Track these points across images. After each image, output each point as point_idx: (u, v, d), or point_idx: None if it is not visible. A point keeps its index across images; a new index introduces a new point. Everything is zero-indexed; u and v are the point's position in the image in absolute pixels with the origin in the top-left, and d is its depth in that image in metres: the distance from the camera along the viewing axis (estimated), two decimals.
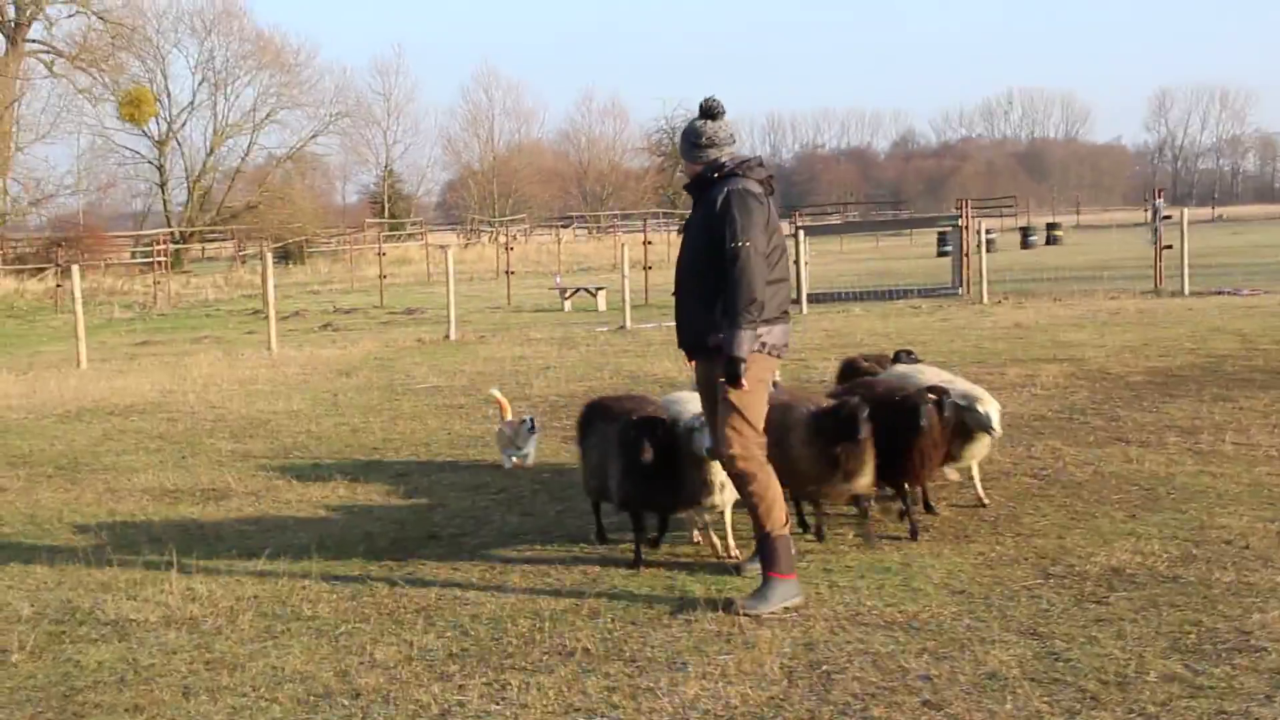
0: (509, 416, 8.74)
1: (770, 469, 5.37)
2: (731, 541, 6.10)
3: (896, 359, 8.02)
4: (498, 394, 8.99)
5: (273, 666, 4.70)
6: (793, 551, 5.35)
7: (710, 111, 5.46)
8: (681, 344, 5.59)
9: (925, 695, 4.15)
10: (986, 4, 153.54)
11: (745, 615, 5.10)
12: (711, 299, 5.28)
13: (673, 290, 5.55)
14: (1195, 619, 4.77)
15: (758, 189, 5.35)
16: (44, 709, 4.40)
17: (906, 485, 6.36)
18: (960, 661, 4.43)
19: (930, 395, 6.12)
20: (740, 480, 5.36)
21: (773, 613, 5.12)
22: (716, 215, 5.26)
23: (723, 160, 5.41)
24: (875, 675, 4.36)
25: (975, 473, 7.04)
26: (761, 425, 5.38)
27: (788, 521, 5.37)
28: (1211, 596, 5.04)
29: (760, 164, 5.53)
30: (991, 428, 6.28)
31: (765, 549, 5.30)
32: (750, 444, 5.31)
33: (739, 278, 5.16)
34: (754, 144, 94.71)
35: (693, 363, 5.57)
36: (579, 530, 6.79)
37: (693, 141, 5.48)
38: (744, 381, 5.18)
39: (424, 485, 8.31)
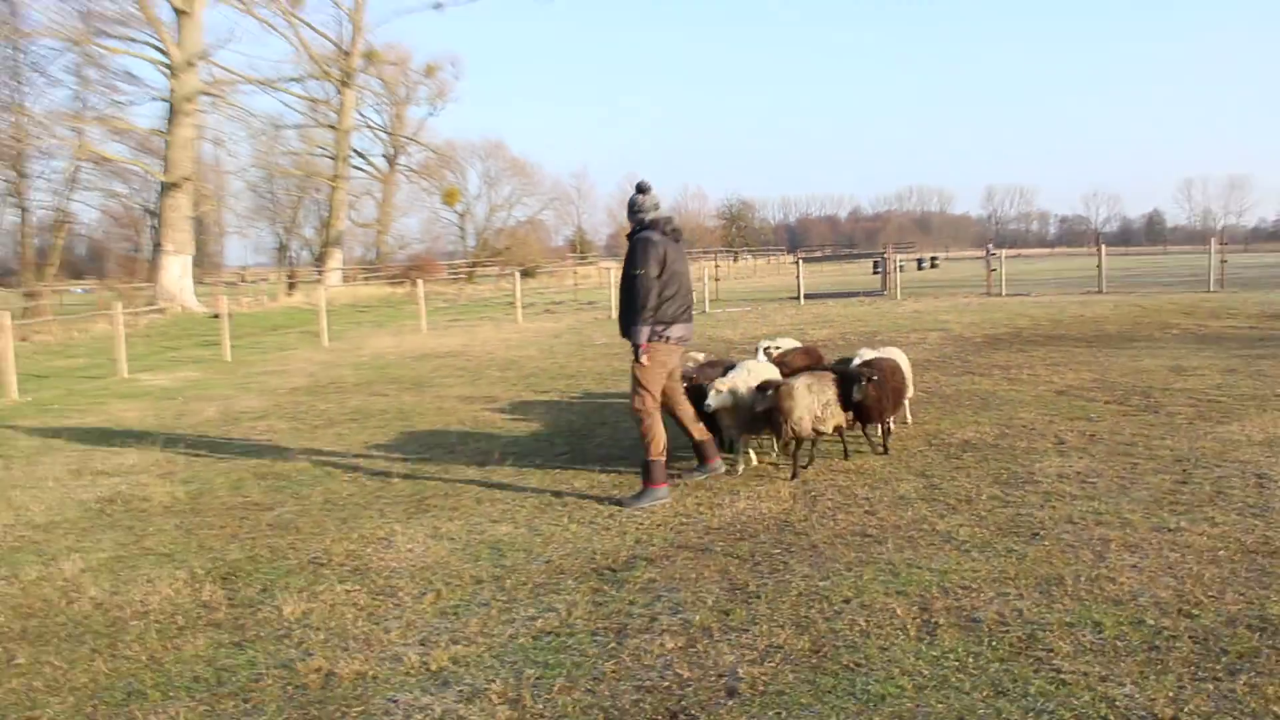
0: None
1: (657, 417, 7.66)
2: (752, 455, 8.89)
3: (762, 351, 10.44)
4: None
5: (522, 489, 8.22)
6: (665, 470, 7.65)
7: (641, 188, 7.89)
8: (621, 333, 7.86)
9: (866, 508, 7.13)
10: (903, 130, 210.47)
11: (628, 508, 7.40)
12: (632, 306, 7.58)
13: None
14: (1006, 466, 8.18)
15: (659, 238, 7.63)
16: (408, 508, 7.75)
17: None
18: (884, 490, 7.63)
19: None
20: (639, 423, 7.69)
21: (643, 508, 7.37)
22: (631, 254, 7.63)
23: (646, 219, 7.78)
24: (839, 498, 7.47)
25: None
26: (657, 390, 7.69)
27: (663, 451, 7.62)
28: (1014, 454, 8.59)
29: (668, 220, 7.86)
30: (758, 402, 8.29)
31: (647, 468, 7.61)
32: (647, 400, 7.63)
33: (638, 293, 7.49)
34: (772, 214, 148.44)
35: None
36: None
37: (630, 208, 7.92)
38: (644, 359, 7.57)
39: (599, 396, 13.13)
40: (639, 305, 7.59)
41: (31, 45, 39.35)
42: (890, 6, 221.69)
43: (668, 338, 7.78)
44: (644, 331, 7.61)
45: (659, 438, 7.69)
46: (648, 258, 7.60)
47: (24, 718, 4.40)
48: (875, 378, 8.41)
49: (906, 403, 9.90)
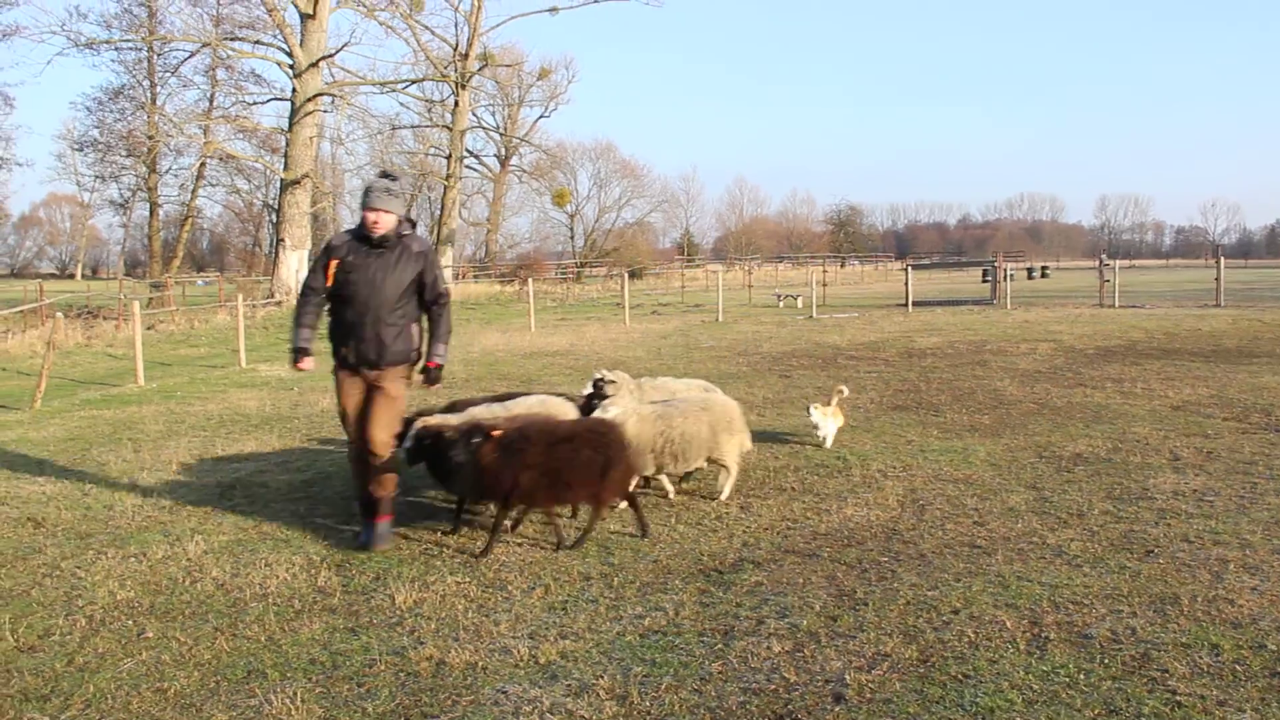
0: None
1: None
2: (670, 487, 8.04)
3: (595, 388, 8.10)
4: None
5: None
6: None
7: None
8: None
9: (975, 519, 7.10)
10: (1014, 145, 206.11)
11: (375, 548, 6.59)
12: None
13: (361, 315, 6.68)
14: (1119, 481, 8.02)
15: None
16: None
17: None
18: (993, 501, 7.53)
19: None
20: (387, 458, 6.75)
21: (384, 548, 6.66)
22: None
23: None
24: (947, 507, 7.40)
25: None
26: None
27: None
28: (1128, 469, 8.43)
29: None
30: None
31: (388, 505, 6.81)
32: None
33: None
34: (880, 220, 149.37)
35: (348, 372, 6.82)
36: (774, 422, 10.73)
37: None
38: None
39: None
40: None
41: (167, 48, 40.87)
42: (1002, 14, 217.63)
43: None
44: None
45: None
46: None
47: (154, 688, 4.60)
48: (494, 435, 6.54)
49: (668, 480, 8.13)
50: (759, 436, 10.27)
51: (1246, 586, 5.55)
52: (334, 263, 6.65)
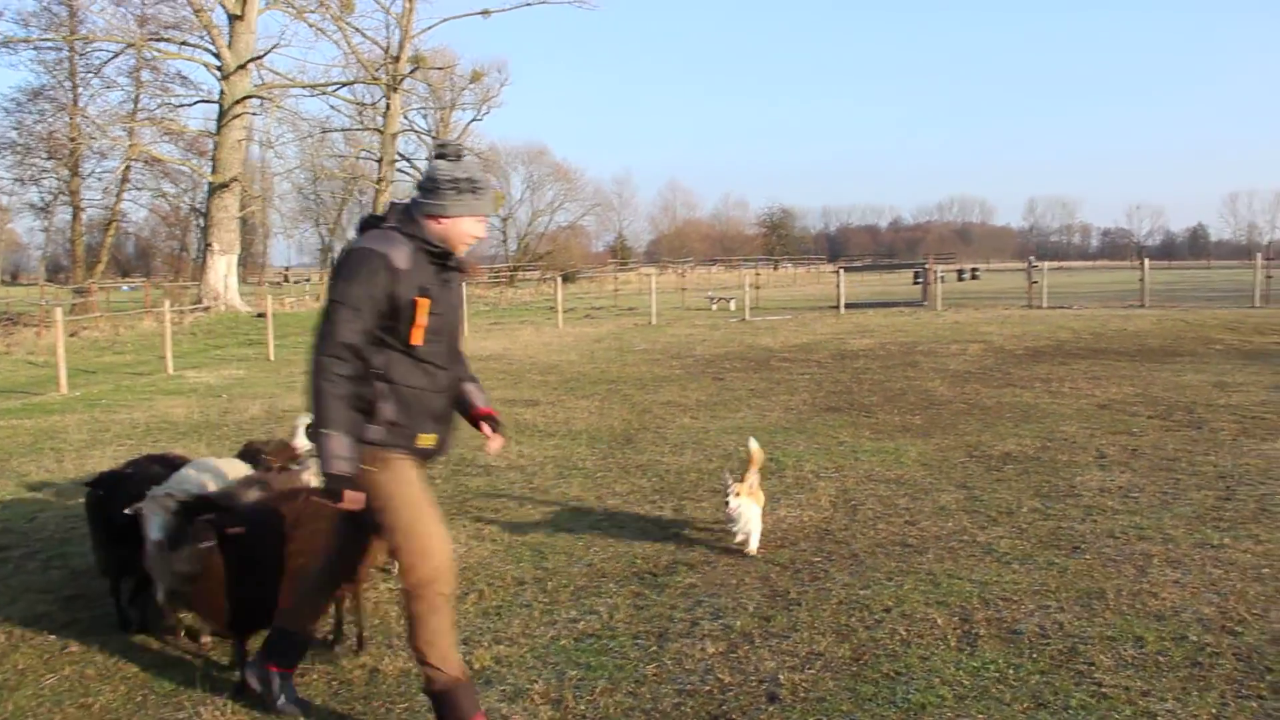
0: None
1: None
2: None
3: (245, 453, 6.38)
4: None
5: (563, 493, 8.29)
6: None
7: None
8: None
9: (907, 518, 7.12)
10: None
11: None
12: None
13: (448, 379, 4.12)
14: (1047, 479, 8.15)
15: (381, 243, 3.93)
16: (449, 508, 7.76)
17: None
18: (925, 500, 7.62)
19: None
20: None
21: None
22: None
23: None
24: (879, 507, 7.45)
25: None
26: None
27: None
28: (1056, 467, 8.56)
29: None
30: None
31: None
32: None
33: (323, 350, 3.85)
34: (812, 223, 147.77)
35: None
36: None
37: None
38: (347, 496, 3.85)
39: (640, 399, 13.28)
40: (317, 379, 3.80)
41: (89, 48, 40.05)
42: (931, 14, 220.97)
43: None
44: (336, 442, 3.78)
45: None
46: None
47: (78, 703, 4.50)
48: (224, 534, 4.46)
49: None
50: (695, 438, 10.32)
51: (1169, 580, 5.67)
52: (425, 304, 3.89)
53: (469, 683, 4.05)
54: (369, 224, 4.05)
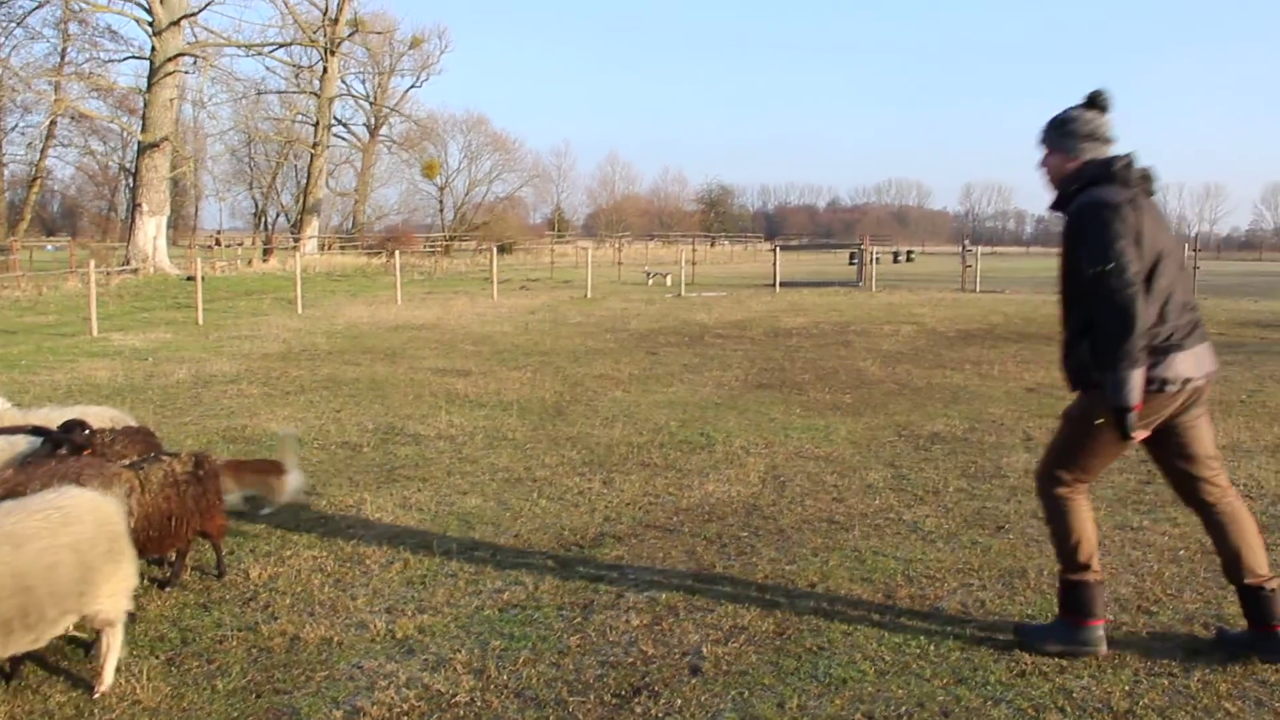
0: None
1: (1081, 502, 4.55)
2: None
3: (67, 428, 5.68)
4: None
5: (492, 463, 8.25)
6: (1100, 596, 4.49)
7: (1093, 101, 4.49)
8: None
9: (834, 495, 7.15)
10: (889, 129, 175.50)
11: (1032, 648, 4.46)
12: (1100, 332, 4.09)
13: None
14: (974, 460, 8.26)
15: (1122, 196, 4.13)
16: (377, 476, 7.75)
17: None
18: (853, 478, 7.66)
19: None
20: (1049, 511, 4.66)
21: (1055, 652, 4.45)
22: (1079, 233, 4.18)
23: (1088, 162, 4.38)
24: (807, 484, 7.49)
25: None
26: (1101, 466, 4.62)
27: (1090, 559, 4.47)
28: (983, 448, 8.67)
29: (1126, 163, 4.25)
30: None
31: (1067, 593, 4.50)
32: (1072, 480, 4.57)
33: (1109, 307, 4.02)
34: (751, 201, 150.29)
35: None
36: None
37: (1063, 134, 4.52)
38: (1135, 433, 4.14)
39: (573, 372, 13.17)
40: (1114, 332, 4.03)
41: None
42: None
43: (1163, 382, 4.20)
44: (1133, 382, 4.06)
45: (1086, 537, 4.47)
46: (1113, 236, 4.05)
47: None
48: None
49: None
50: (626, 411, 10.31)
51: None
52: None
53: None
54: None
